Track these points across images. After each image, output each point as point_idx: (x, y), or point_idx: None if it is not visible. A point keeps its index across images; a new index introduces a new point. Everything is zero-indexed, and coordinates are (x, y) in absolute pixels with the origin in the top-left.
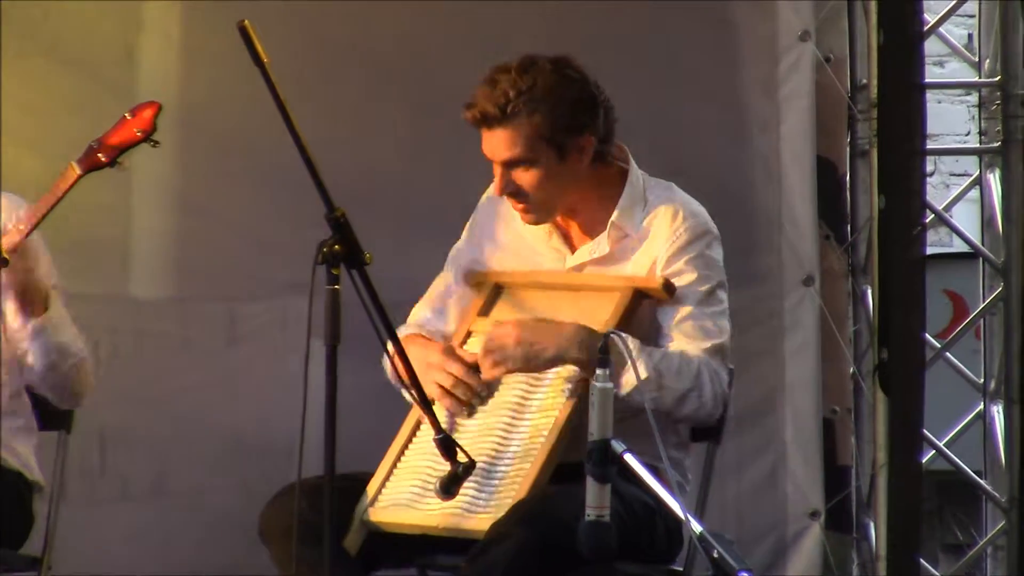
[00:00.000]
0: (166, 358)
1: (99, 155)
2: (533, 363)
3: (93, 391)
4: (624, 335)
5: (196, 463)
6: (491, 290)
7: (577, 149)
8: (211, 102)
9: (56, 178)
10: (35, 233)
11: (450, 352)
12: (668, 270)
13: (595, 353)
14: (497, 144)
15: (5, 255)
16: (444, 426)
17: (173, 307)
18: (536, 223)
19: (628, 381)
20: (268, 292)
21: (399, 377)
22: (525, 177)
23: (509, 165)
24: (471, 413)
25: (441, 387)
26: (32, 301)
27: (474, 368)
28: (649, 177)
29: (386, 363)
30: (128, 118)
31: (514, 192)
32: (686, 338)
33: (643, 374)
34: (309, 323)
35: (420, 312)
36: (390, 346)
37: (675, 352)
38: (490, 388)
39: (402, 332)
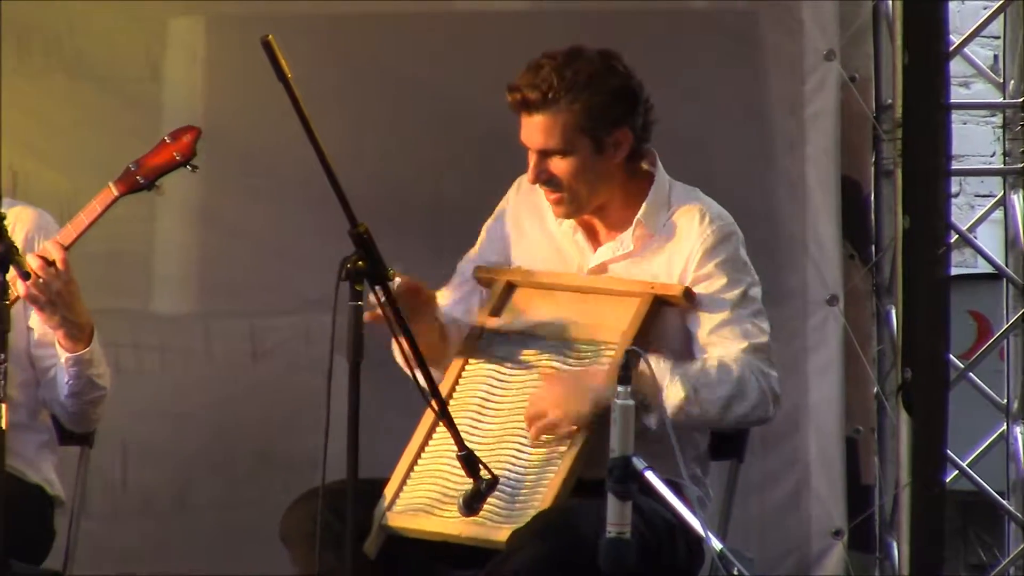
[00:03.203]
0: (189, 373)
1: (137, 177)
2: (577, 418)
3: (102, 420)
4: (656, 357)
5: (219, 478)
6: (503, 288)
7: (614, 143)
8: (235, 118)
9: (81, 193)
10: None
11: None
12: (699, 273)
13: (636, 391)
14: (535, 131)
15: (27, 268)
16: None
17: (196, 322)
18: (567, 215)
19: (669, 403)
20: (291, 308)
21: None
22: (560, 166)
23: (545, 154)
24: (506, 390)
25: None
26: (76, 334)
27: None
28: (675, 181)
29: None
30: (167, 142)
31: (547, 181)
32: (725, 341)
33: (680, 393)
34: (332, 339)
35: (441, 299)
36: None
37: (712, 362)
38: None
39: None
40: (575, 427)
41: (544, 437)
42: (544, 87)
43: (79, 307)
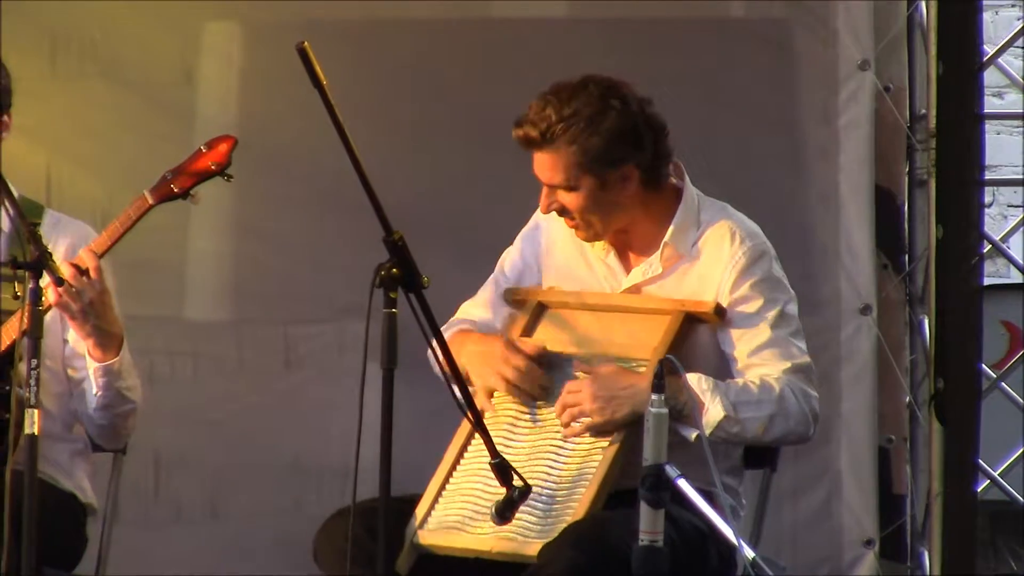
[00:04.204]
0: (222, 380)
1: (172, 186)
2: (611, 419)
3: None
4: (698, 376)
5: (251, 486)
6: (534, 309)
7: (619, 178)
8: (269, 124)
9: (115, 198)
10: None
11: (512, 345)
12: (733, 295)
13: (674, 402)
14: (540, 166)
15: (61, 274)
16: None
17: (229, 330)
18: (589, 240)
19: (709, 422)
20: (325, 315)
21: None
22: (568, 199)
23: (552, 187)
24: (539, 405)
25: (506, 380)
26: (107, 343)
27: (536, 360)
28: (704, 196)
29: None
30: (203, 150)
31: (559, 211)
32: (765, 363)
33: (721, 412)
34: (365, 347)
35: (475, 312)
36: (445, 366)
37: (753, 380)
38: (548, 391)
39: (451, 328)
40: (608, 426)
41: (576, 428)
42: (543, 126)
43: (111, 316)
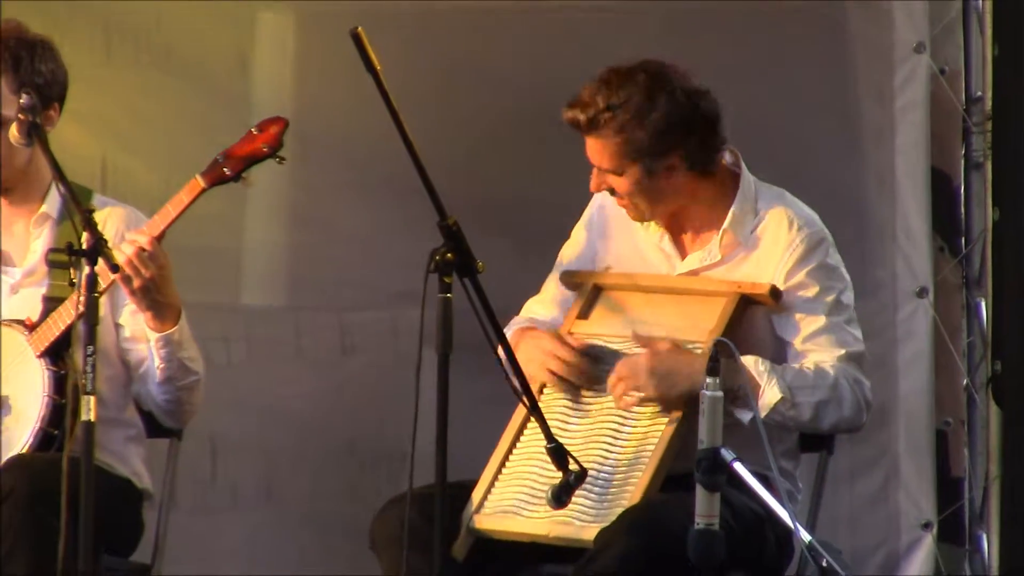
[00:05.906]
0: (278, 367)
1: (224, 169)
2: (666, 396)
3: (197, 414)
4: (755, 358)
5: (307, 471)
6: (590, 292)
7: (665, 168)
8: (324, 112)
9: (171, 187)
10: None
11: (558, 338)
12: (789, 283)
13: (729, 384)
14: (590, 149)
15: (116, 261)
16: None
17: (285, 316)
18: (638, 220)
19: (765, 404)
20: (380, 301)
21: (512, 385)
22: (616, 182)
23: (601, 170)
24: (595, 390)
25: (551, 372)
26: (164, 314)
27: (583, 352)
28: (760, 183)
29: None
30: (255, 133)
31: (608, 191)
32: (820, 350)
33: (777, 395)
34: (421, 332)
35: (538, 309)
36: (501, 352)
37: (808, 366)
38: (597, 380)
39: (514, 327)
40: (662, 402)
41: (628, 401)
42: (590, 112)
43: (170, 289)
